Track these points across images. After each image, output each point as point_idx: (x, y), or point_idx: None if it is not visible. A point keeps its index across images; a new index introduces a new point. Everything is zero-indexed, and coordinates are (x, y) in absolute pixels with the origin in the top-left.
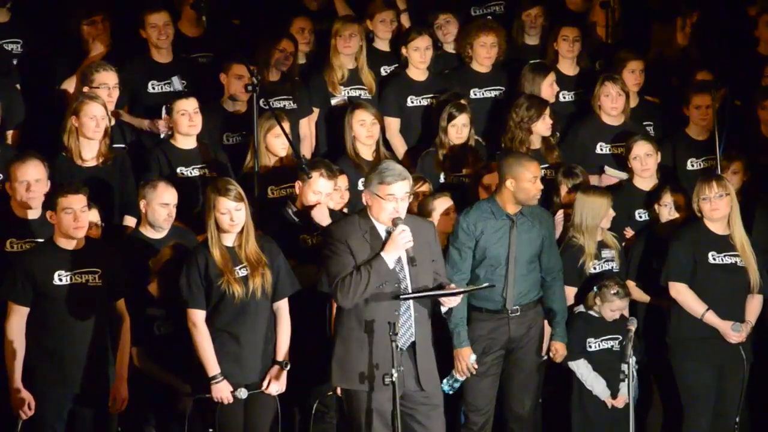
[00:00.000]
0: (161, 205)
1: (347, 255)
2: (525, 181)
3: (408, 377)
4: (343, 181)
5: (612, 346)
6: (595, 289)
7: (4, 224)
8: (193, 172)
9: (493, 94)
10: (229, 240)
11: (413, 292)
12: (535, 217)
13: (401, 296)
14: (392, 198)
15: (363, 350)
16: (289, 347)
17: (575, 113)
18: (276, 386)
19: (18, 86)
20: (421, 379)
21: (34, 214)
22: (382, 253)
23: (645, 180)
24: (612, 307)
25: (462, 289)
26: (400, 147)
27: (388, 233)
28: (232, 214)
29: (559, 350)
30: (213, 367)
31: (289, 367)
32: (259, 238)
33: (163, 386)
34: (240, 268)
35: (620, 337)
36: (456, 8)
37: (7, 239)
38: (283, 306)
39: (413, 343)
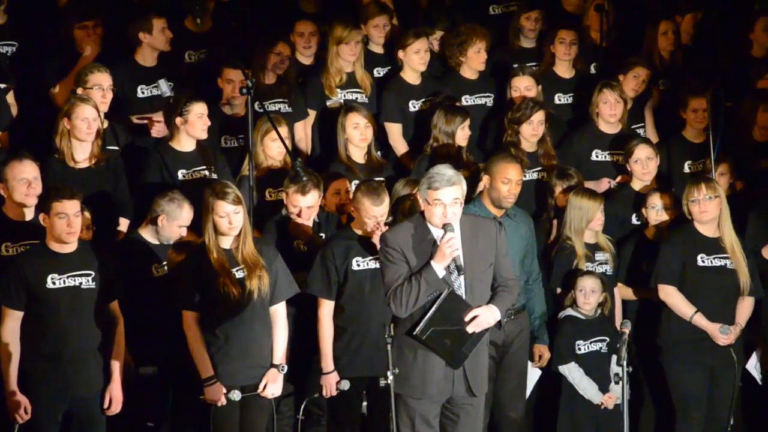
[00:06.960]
0: (181, 227)
1: (401, 263)
2: (497, 180)
3: (458, 383)
4: (343, 184)
5: (600, 348)
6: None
7: None
8: (194, 174)
9: (483, 101)
10: (226, 242)
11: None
12: (520, 219)
13: (414, 333)
14: (439, 203)
15: (414, 357)
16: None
17: (572, 116)
18: (272, 389)
19: (8, 88)
20: (472, 385)
21: (29, 215)
22: (431, 262)
23: (643, 183)
24: (586, 296)
25: (479, 332)
26: (403, 151)
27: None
28: (231, 217)
29: (543, 353)
30: (206, 369)
31: (285, 370)
32: (256, 240)
33: (152, 387)
34: (237, 270)
35: (607, 339)
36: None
37: (2, 243)
38: (280, 309)
39: None
